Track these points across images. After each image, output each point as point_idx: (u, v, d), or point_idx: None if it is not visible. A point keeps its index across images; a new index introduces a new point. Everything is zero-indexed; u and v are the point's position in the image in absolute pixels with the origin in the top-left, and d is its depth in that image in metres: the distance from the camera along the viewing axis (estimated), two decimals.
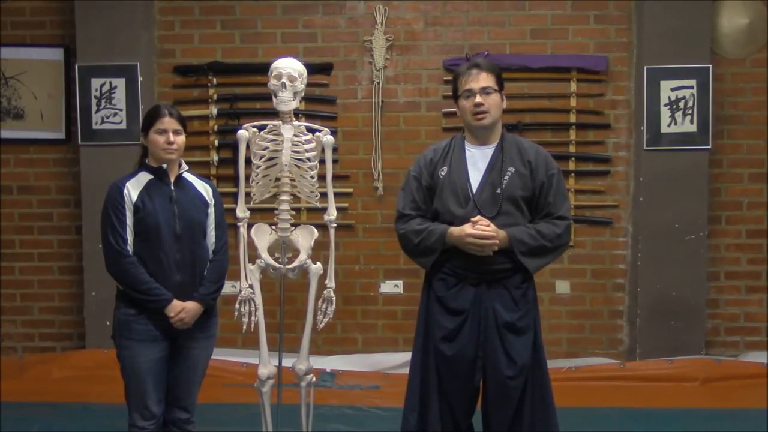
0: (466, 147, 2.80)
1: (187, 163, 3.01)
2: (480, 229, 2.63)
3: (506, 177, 2.71)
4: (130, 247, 2.79)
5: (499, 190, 2.70)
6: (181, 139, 2.87)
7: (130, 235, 2.79)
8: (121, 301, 2.85)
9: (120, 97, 4.70)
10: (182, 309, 2.81)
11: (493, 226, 2.65)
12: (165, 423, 2.93)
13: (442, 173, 2.78)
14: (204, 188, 2.99)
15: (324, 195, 3.17)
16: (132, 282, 2.78)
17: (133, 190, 2.82)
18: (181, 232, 2.83)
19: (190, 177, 2.98)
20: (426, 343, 2.81)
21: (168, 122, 2.83)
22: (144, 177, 2.86)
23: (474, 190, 2.72)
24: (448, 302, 2.75)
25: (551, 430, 2.78)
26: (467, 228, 2.65)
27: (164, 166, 2.87)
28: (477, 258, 2.67)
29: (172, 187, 2.88)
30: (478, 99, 2.70)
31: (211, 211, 2.96)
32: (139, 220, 2.79)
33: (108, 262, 2.82)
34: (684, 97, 4.59)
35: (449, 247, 2.72)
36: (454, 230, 2.69)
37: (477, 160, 2.76)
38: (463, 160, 2.77)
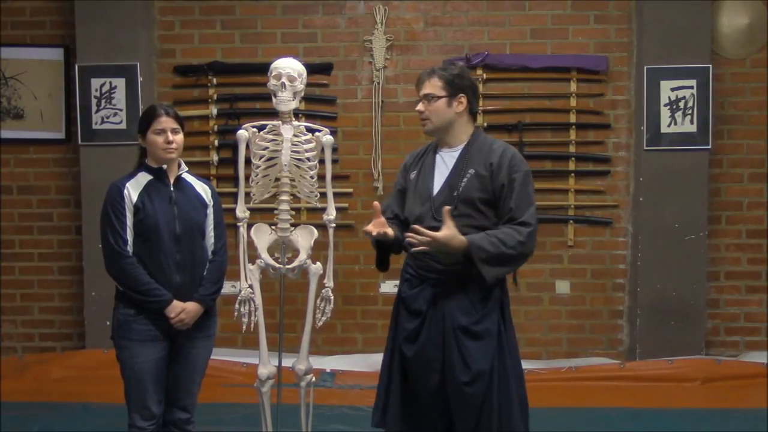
0: (438, 151, 2.81)
1: (187, 163, 3.02)
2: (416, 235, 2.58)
3: (465, 179, 2.68)
4: (129, 248, 2.79)
5: (455, 193, 2.67)
6: (180, 137, 2.86)
7: (130, 236, 2.79)
8: (121, 301, 2.85)
9: (120, 97, 4.70)
10: (182, 310, 2.81)
11: (447, 231, 2.55)
12: (165, 423, 2.93)
13: (412, 176, 2.81)
14: (203, 189, 2.99)
15: (324, 195, 3.18)
16: (132, 283, 2.78)
17: (133, 190, 2.81)
18: (181, 233, 2.83)
19: (189, 178, 2.98)
20: (393, 344, 2.82)
21: (165, 121, 2.82)
22: (144, 177, 2.86)
23: (434, 193, 2.72)
24: (409, 303, 2.75)
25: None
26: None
27: (164, 166, 2.87)
28: (432, 259, 2.65)
29: (172, 188, 2.88)
30: (419, 107, 2.73)
31: (210, 211, 2.96)
32: (139, 221, 2.79)
33: (108, 263, 2.82)
34: (684, 97, 4.59)
35: (386, 245, 2.75)
36: (368, 227, 2.68)
37: (444, 164, 2.76)
38: (432, 164, 2.78)
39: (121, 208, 2.78)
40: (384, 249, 2.83)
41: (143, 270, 2.78)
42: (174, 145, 2.82)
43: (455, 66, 2.80)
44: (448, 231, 2.55)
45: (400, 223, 2.83)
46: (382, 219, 2.66)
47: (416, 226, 2.58)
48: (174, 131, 2.83)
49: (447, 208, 2.59)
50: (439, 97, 2.70)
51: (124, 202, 2.79)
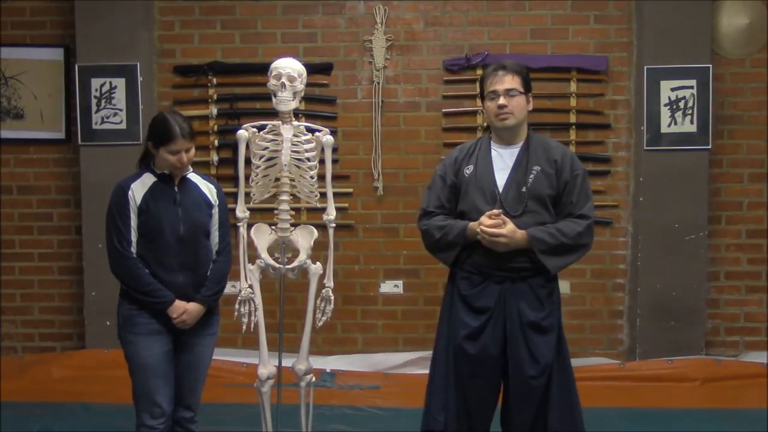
0: (493, 147, 2.84)
1: None
2: (490, 221, 2.66)
3: (531, 176, 2.74)
4: (133, 249, 2.80)
5: (524, 189, 2.73)
6: (192, 153, 2.87)
7: (134, 237, 2.80)
8: (125, 297, 2.86)
9: (120, 97, 4.70)
10: (184, 311, 2.82)
11: (510, 225, 2.66)
12: None
13: (467, 172, 2.82)
14: (208, 189, 2.99)
15: (324, 195, 3.17)
16: (135, 283, 2.79)
17: (137, 192, 2.82)
18: (185, 234, 2.84)
19: (194, 178, 2.98)
20: (450, 343, 2.83)
21: (181, 144, 2.80)
22: (149, 179, 2.87)
23: (500, 190, 2.75)
24: (472, 301, 2.77)
25: (577, 429, 2.78)
26: (483, 219, 2.68)
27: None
28: (498, 256, 2.70)
29: (177, 189, 2.89)
30: (502, 101, 2.75)
31: (215, 211, 2.97)
32: (143, 222, 2.80)
33: (112, 264, 2.83)
34: (684, 97, 4.59)
35: (471, 242, 2.75)
36: (473, 224, 2.72)
37: (503, 160, 2.80)
38: (489, 160, 2.81)
39: (126, 209, 2.79)
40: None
41: (147, 271, 2.79)
42: (185, 162, 2.84)
43: (519, 64, 2.85)
44: (510, 226, 2.67)
45: (449, 215, 2.86)
46: (500, 221, 2.67)
47: (486, 228, 2.66)
48: (187, 150, 2.83)
49: (498, 210, 2.68)
50: (521, 93, 2.77)
51: (128, 204, 2.79)
